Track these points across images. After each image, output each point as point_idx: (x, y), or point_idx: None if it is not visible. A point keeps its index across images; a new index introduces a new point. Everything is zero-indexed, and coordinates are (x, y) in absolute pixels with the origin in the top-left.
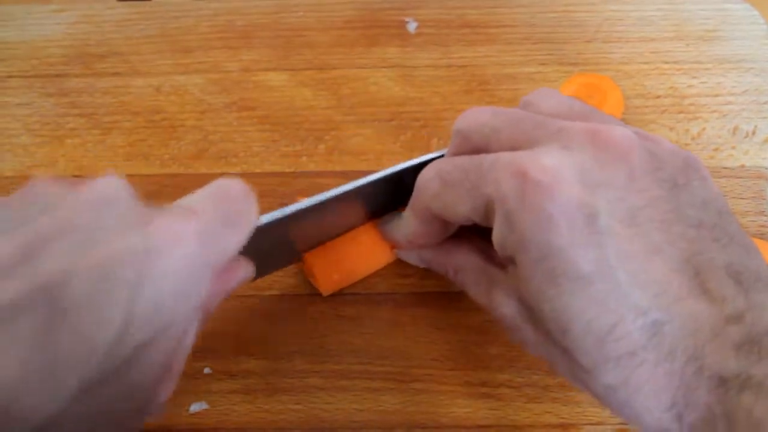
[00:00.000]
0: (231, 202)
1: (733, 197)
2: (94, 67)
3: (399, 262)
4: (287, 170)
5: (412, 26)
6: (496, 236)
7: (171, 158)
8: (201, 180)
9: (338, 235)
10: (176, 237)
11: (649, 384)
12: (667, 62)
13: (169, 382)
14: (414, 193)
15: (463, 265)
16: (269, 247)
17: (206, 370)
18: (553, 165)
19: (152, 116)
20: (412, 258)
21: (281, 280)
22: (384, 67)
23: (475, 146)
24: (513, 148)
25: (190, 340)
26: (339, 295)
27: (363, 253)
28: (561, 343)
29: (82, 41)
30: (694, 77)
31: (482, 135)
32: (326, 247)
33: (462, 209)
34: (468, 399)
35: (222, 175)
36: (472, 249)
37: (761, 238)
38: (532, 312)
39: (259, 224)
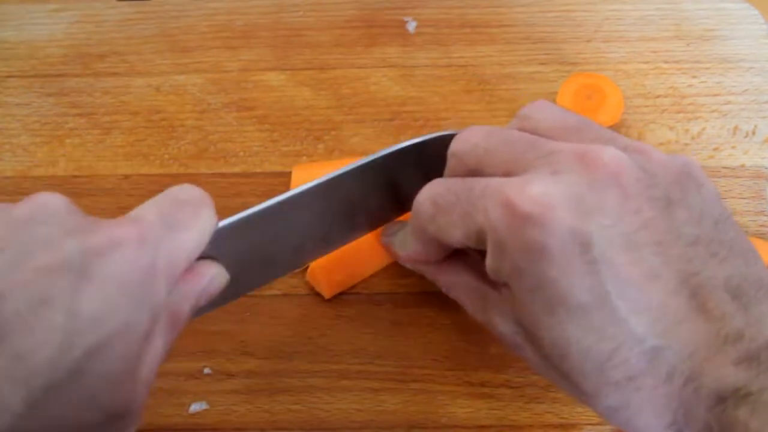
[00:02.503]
0: (178, 208)
1: (733, 197)
2: (93, 66)
3: (399, 263)
4: (287, 170)
5: (411, 26)
6: (489, 264)
7: (171, 158)
8: (201, 180)
9: (341, 245)
10: (115, 242)
11: (649, 405)
12: (666, 62)
13: (140, 389)
14: (412, 214)
15: (456, 283)
16: (263, 253)
17: (206, 370)
18: (541, 194)
19: (152, 116)
20: (409, 265)
21: (282, 280)
22: (384, 67)
23: (468, 168)
24: (505, 171)
25: (157, 344)
26: (339, 295)
27: (364, 255)
28: (560, 369)
29: (82, 41)
30: (694, 77)
31: (476, 156)
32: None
33: (455, 234)
34: (468, 399)
35: (222, 174)
36: (467, 268)
37: (761, 238)
38: (529, 335)
39: (224, 225)
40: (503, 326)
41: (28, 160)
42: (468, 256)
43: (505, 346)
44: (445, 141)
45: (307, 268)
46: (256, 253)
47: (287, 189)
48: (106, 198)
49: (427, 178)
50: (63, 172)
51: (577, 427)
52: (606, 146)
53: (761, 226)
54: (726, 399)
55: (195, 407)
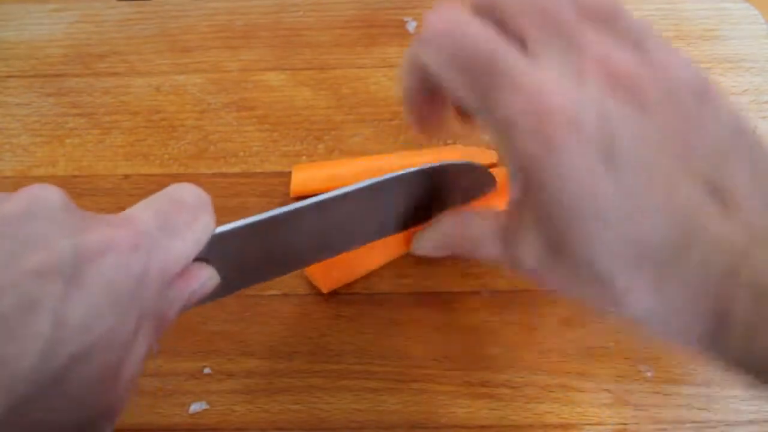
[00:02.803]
0: (177, 211)
1: None
2: (93, 66)
3: (399, 262)
4: (287, 170)
5: (411, 26)
6: (510, 159)
7: (171, 158)
8: (201, 180)
9: (345, 248)
10: (108, 247)
11: (684, 302)
12: None
13: (122, 390)
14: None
15: (478, 232)
16: (260, 253)
17: (206, 370)
18: (565, 99)
19: (152, 116)
20: (428, 248)
21: (282, 279)
22: (384, 67)
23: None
24: (522, 38)
25: (139, 350)
26: (339, 294)
27: (363, 251)
28: (591, 275)
29: (82, 41)
30: None
31: (457, 38)
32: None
33: (467, 102)
34: (468, 399)
35: (222, 174)
36: (482, 216)
37: None
38: (555, 249)
39: (222, 231)
40: (529, 257)
41: (28, 159)
42: (475, 211)
43: (535, 281)
44: (459, 169)
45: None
46: (251, 258)
47: (287, 189)
48: (106, 198)
49: (438, 199)
50: (63, 171)
51: (577, 427)
52: (628, 57)
53: None
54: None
55: (195, 407)
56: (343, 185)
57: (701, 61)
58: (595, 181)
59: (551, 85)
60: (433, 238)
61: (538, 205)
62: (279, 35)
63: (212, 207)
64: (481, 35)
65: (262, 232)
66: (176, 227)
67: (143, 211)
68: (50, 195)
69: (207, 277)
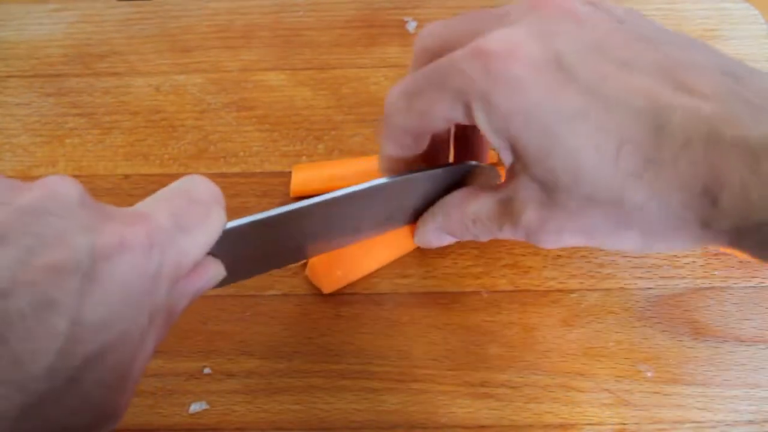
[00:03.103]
0: (191, 208)
1: None
2: (93, 66)
3: (399, 262)
4: (287, 170)
5: (411, 26)
6: (483, 123)
7: (171, 158)
8: None
9: (348, 243)
10: (124, 246)
11: (674, 180)
12: None
13: (128, 392)
14: (385, 121)
15: (477, 208)
16: (265, 247)
17: (206, 370)
18: (506, 34)
19: (152, 116)
20: (431, 233)
21: (282, 279)
22: (384, 67)
23: (434, 53)
24: (470, 40)
25: (149, 347)
26: (339, 294)
27: (364, 251)
28: (583, 194)
29: (82, 41)
30: None
31: (440, 38)
32: None
33: (439, 109)
34: (468, 399)
35: (222, 174)
36: (480, 191)
37: None
38: (547, 186)
39: (232, 227)
40: (529, 207)
41: (28, 159)
42: (470, 191)
43: (542, 240)
44: (465, 168)
45: (306, 264)
46: (256, 252)
47: (287, 189)
48: (106, 198)
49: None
50: (63, 171)
51: (576, 427)
52: (578, 4)
53: None
54: (758, 153)
55: (195, 407)
56: (343, 185)
57: None
58: (553, 86)
59: (493, 35)
60: (435, 221)
61: (521, 147)
62: (279, 35)
63: (223, 200)
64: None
65: (270, 228)
66: (190, 224)
67: (158, 208)
68: (68, 189)
69: (215, 272)
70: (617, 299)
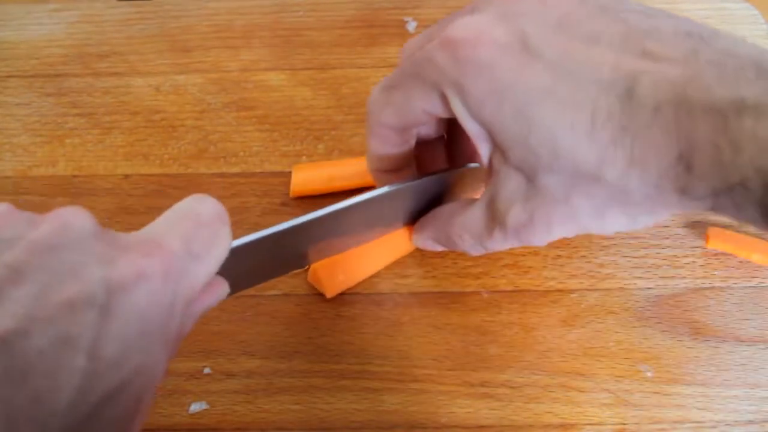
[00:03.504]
0: (200, 232)
1: None
2: (93, 66)
3: (399, 262)
4: (287, 170)
5: (411, 26)
6: (459, 111)
7: (171, 158)
8: (201, 180)
9: (349, 247)
10: (140, 278)
11: (650, 148)
12: None
13: (137, 421)
14: (367, 119)
15: (463, 220)
16: (266, 260)
17: (206, 370)
18: (470, 21)
19: (152, 116)
20: (428, 244)
21: (282, 280)
22: (384, 67)
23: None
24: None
25: (160, 374)
26: (339, 295)
27: (364, 254)
28: (564, 171)
29: (82, 41)
30: None
31: (417, 45)
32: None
33: (417, 103)
34: (468, 399)
35: (222, 174)
36: (467, 202)
37: (761, 238)
38: (528, 171)
39: (236, 246)
40: (512, 199)
41: (28, 159)
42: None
43: (531, 236)
44: (463, 172)
45: (308, 268)
46: (259, 265)
47: (287, 189)
48: (106, 198)
49: (444, 200)
50: (63, 171)
51: (576, 426)
52: None
53: None
54: (723, 110)
55: (195, 407)
56: (343, 185)
57: None
58: (521, 67)
59: (458, 23)
60: (428, 233)
61: (498, 132)
62: (279, 35)
63: (228, 218)
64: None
65: (271, 242)
66: (201, 250)
67: (169, 234)
68: (81, 222)
69: (221, 291)
70: (617, 299)
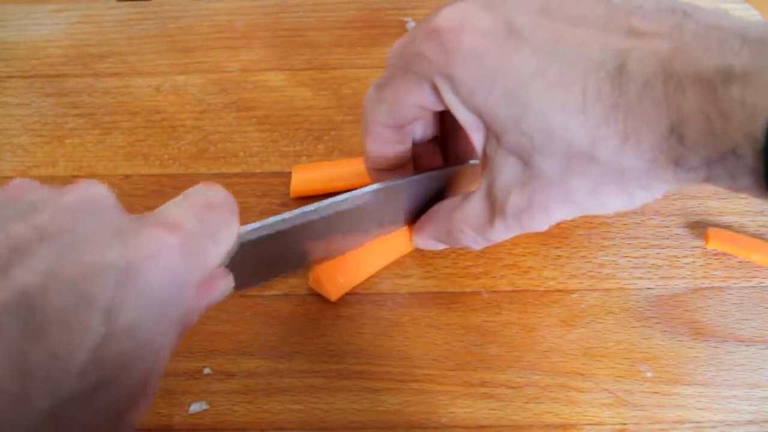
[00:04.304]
0: (213, 214)
1: (732, 196)
2: (93, 67)
3: (399, 263)
4: (287, 170)
5: (411, 26)
6: (451, 101)
7: (171, 158)
8: (201, 180)
9: (349, 247)
10: (160, 250)
11: (642, 122)
12: None
13: (144, 400)
14: (363, 118)
15: (463, 213)
16: (271, 256)
17: (206, 370)
18: (453, 9)
19: (152, 116)
20: (429, 244)
21: (282, 280)
22: (384, 67)
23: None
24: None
25: (166, 357)
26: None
27: (365, 254)
28: (560, 152)
29: (82, 41)
30: None
31: (402, 45)
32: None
33: (409, 96)
34: (468, 399)
35: (222, 175)
36: (463, 200)
37: (761, 238)
38: (523, 155)
39: (247, 238)
40: (509, 185)
41: (28, 160)
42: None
43: (531, 222)
44: (463, 168)
45: (309, 273)
46: (262, 261)
47: (287, 189)
48: None
49: (444, 196)
50: (63, 172)
51: (577, 427)
52: None
53: (761, 226)
54: (711, 80)
55: (195, 407)
56: (343, 185)
57: None
58: (508, 51)
59: (442, 13)
60: (428, 230)
61: (491, 117)
62: (279, 35)
63: (236, 206)
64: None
65: (276, 236)
66: (213, 231)
67: (184, 213)
68: (104, 194)
69: (226, 283)
70: (617, 299)
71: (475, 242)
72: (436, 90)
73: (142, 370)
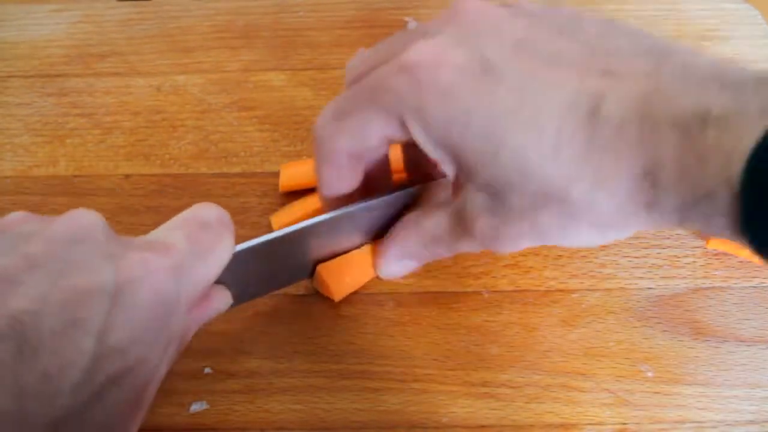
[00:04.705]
0: (204, 234)
1: None
2: (94, 67)
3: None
4: None
5: (412, 26)
6: (421, 137)
7: (171, 158)
8: (201, 180)
9: (348, 250)
10: (148, 271)
11: (614, 164)
12: None
13: (138, 416)
14: (316, 146)
15: (432, 224)
16: (266, 271)
17: (206, 370)
18: (427, 44)
19: (152, 116)
20: (393, 266)
21: None
22: None
23: (360, 76)
24: (388, 60)
25: (162, 372)
26: None
27: (367, 255)
28: (532, 191)
29: (83, 41)
30: None
31: (363, 62)
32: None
33: (373, 129)
34: (468, 399)
35: (223, 174)
36: (431, 212)
37: None
38: (494, 191)
39: (240, 250)
40: (484, 221)
41: (29, 159)
42: (415, 218)
43: (496, 247)
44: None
45: (314, 275)
46: (258, 276)
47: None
48: (106, 198)
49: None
50: (64, 171)
51: (577, 426)
52: (499, 11)
53: None
54: (690, 126)
55: (195, 407)
56: None
57: None
58: (483, 89)
59: (415, 48)
60: (393, 246)
61: (464, 156)
62: (279, 35)
63: (232, 224)
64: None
65: (270, 251)
66: (203, 251)
67: (174, 235)
68: (93, 221)
69: (224, 301)
70: (618, 299)
71: (443, 252)
72: (404, 125)
73: (135, 386)
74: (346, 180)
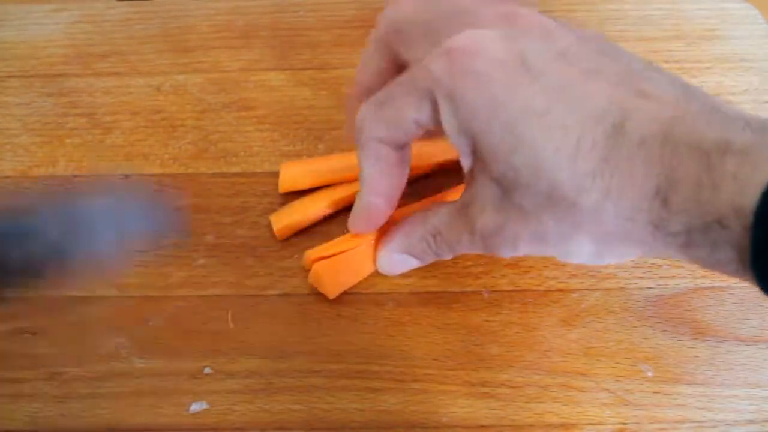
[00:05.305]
0: None
1: None
2: (94, 66)
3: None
4: None
5: None
6: (448, 121)
7: (171, 158)
8: (201, 179)
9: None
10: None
11: (629, 179)
12: (667, 61)
13: None
14: (356, 137)
15: (437, 219)
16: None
17: (206, 370)
18: (472, 33)
19: (152, 116)
20: (395, 262)
21: (282, 279)
22: None
23: (391, 44)
24: (432, 43)
25: None
26: (340, 294)
27: (366, 253)
28: (541, 192)
29: (82, 41)
30: (694, 77)
31: (404, 15)
32: (329, 250)
33: (407, 114)
34: (468, 399)
35: (222, 174)
36: (437, 207)
37: None
38: (505, 185)
39: None
40: (488, 217)
41: (28, 159)
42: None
43: (498, 246)
44: None
45: (310, 271)
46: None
47: None
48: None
49: None
50: (63, 171)
51: (577, 426)
52: (524, 7)
53: None
54: (709, 152)
55: (195, 407)
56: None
57: (701, 61)
58: (517, 83)
59: (460, 35)
60: (397, 242)
61: (484, 144)
62: (279, 35)
63: None
64: None
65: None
66: None
67: None
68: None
69: None
70: (617, 299)
71: (443, 252)
72: (434, 107)
73: None
74: (387, 177)
